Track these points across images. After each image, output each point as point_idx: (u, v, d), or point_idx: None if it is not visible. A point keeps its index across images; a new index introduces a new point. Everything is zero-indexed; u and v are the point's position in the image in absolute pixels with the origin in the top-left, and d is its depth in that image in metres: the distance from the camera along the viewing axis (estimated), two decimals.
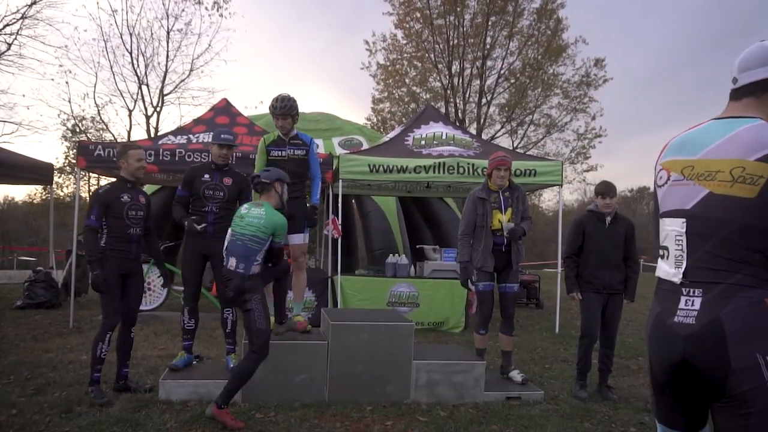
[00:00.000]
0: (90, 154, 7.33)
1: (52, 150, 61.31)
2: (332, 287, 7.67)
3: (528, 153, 19.96)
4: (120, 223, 4.19)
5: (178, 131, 8.51)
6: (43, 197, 23.57)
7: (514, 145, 22.93)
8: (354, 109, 71.76)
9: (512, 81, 23.08)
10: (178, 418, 3.74)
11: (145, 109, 21.60)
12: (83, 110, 24.58)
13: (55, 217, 11.46)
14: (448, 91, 22.83)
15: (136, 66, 20.91)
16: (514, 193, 4.81)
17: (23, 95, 46.63)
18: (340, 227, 7.66)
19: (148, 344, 6.16)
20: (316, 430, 3.67)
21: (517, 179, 6.56)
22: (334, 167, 7.74)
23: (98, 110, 21.85)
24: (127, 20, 21.57)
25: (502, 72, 22.97)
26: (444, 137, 8.40)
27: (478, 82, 22.94)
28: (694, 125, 1.84)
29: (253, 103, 52.08)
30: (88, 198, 16.06)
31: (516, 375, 4.75)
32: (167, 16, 20.99)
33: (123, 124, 38.83)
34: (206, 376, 4.35)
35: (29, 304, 8.56)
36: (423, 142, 8.31)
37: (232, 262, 3.79)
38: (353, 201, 13.12)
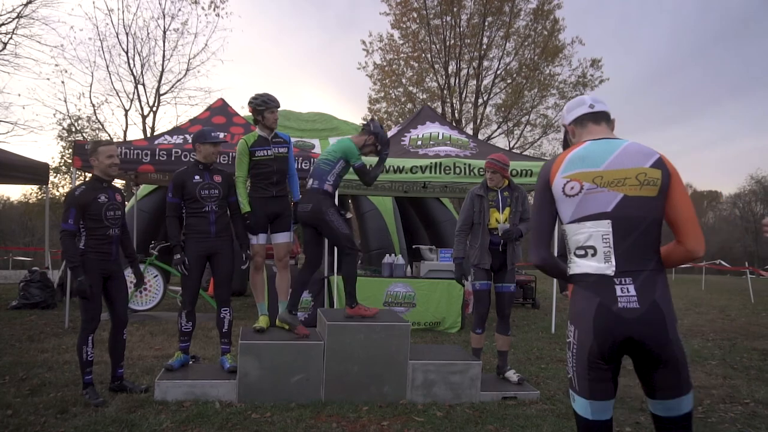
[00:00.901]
0: (86, 153, 7.29)
1: (47, 150, 61.40)
2: (329, 287, 7.67)
3: (524, 153, 19.98)
4: (99, 225, 4.05)
5: (175, 131, 8.49)
6: (39, 197, 23.50)
7: (511, 146, 22.99)
8: (351, 109, 71.81)
9: (509, 81, 23.14)
10: (173, 419, 3.73)
11: (141, 108, 21.62)
12: (79, 110, 24.45)
13: (50, 217, 11.42)
14: (445, 92, 22.87)
15: (132, 65, 20.95)
16: (514, 193, 4.81)
17: (19, 95, 46.78)
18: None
19: (143, 344, 6.15)
20: (312, 431, 3.67)
21: (513, 179, 6.56)
22: None
23: (94, 110, 21.90)
24: (123, 20, 21.68)
25: (498, 72, 23.06)
26: (440, 137, 8.42)
27: (474, 82, 23.00)
28: (577, 144, 2.17)
29: None
30: None
31: (512, 375, 4.76)
32: (164, 15, 21.06)
33: (119, 124, 38.91)
34: (202, 376, 4.33)
35: (25, 305, 8.53)
36: (420, 143, 8.32)
37: (309, 182, 4.53)
38: (350, 201, 13.11)
